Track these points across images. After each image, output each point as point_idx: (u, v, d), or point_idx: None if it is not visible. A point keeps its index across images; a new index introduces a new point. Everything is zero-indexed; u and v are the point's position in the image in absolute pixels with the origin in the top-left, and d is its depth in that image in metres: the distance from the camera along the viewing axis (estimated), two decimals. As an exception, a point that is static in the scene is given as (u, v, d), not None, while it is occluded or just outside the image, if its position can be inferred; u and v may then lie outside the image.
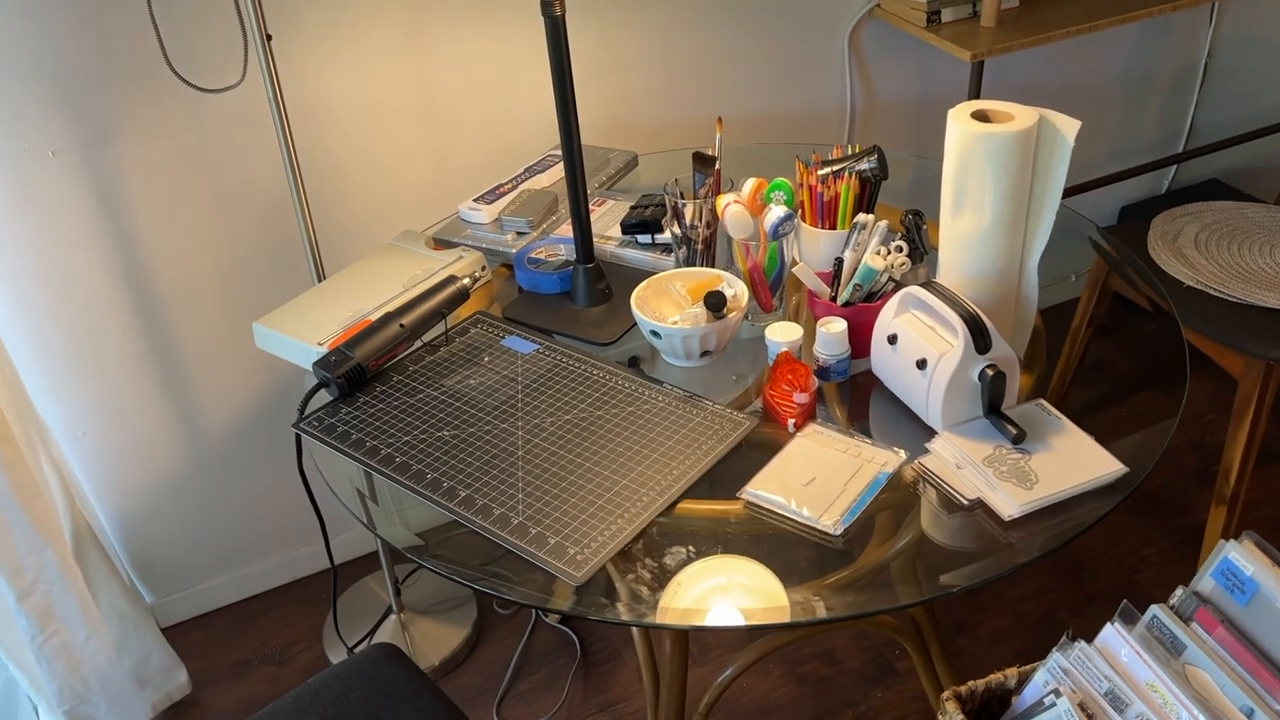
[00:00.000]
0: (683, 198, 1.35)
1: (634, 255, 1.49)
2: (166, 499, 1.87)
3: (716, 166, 1.33)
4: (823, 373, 1.22)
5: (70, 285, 1.62)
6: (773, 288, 1.32)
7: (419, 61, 1.70)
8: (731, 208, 1.27)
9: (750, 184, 1.31)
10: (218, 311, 1.75)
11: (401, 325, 1.30)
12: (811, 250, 1.34)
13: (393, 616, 1.94)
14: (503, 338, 1.36)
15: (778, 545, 1.04)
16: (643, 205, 1.51)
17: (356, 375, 1.27)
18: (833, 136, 2.07)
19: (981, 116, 1.13)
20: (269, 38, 1.35)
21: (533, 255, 1.49)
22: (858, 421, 1.19)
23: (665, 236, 1.47)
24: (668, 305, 1.29)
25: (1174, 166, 2.55)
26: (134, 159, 1.57)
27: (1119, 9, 1.90)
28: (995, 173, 1.10)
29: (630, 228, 1.49)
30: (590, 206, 1.59)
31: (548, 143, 1.81)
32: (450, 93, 1.75)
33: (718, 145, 1.36)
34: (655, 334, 1.24)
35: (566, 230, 1.55)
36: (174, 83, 1.48)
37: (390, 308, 1.35)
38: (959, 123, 1.12)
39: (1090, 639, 0.97)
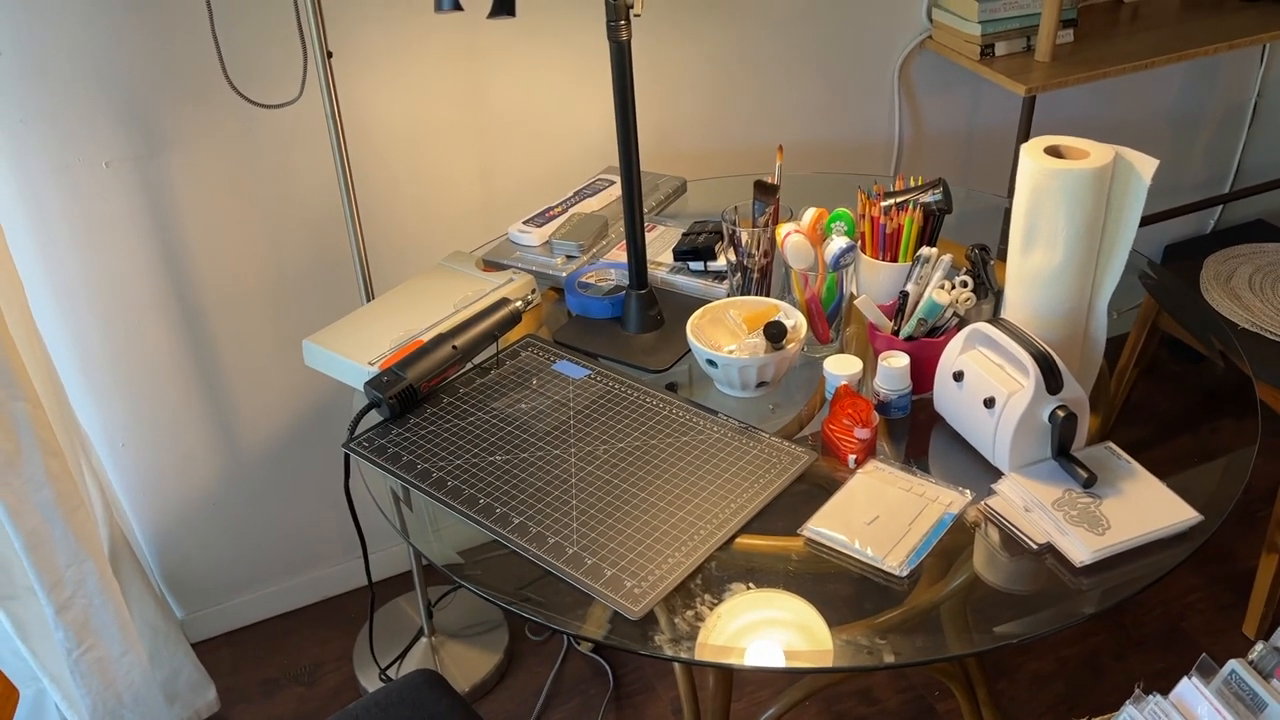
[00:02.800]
0: (740, 225, 1.34)
1: (685, 282, 1.47)
2: (201, 513, 1.86)
3: (777, 195, 1.31)
4: (883, 408, 1.20)
5: (117, 295, 1.62)
6: (830, 319, 1.30)
7: (472, 82, 1.69)
8: (792, 237, 1.25)
9: (811, 213, 1.29)
10: (263, 327, 1.74)
11: (454, 347, 1.29)
12: (871, 282, 1.32)
13: (424, 639, 1.91)
14: (553, 362, 1.34)
15: (831, 583, 1.01)
16: (695, 231, 1.50)
17: (408, 396, 1.25)
18: (879, 168, 2.06)
19: (1054, 152, 1.11)
20: (330, 54, 1.35)
21: (583, 280, 1.48)
22: (918, 459, 1.16)
23: (718, 264, 1.45)
24: (723, 334, 1.28)
25: (1220, 207, 2.52)
26: (186, 172, 1.57)
27: (1175, 46, 1.88)
28: (1069, 210, 1.08)
29: (683, 254, 1.47)
30: (642, 231, 1.58)
31: (597, 166, 1.80)
32: (501, 114, 1.74)
33: (778, 173, 1.34)
34: (712, 363, 1.23)
35: (617, 255, 1.53)
36: (230, 96, 1.48)
37: (441, 329, 1.34)
38: (1033, 158, 1.10)
39: (1135, 686, 0.94)
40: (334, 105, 1.40)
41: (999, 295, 1.22)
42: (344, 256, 1.70)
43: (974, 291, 1.20)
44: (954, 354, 1.15)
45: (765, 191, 1.30)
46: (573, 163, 1.82)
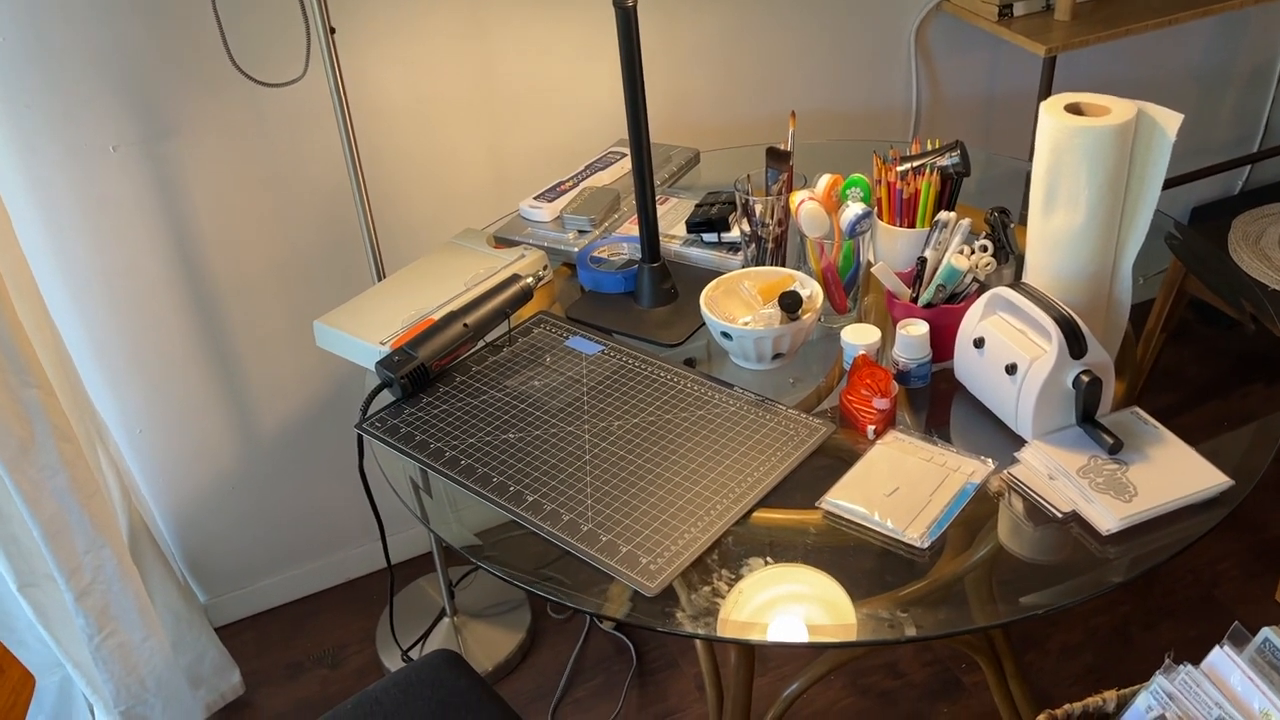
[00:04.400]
0: (753, 194, 1.31)
1: (698, 254, 1.45)
2: (220, 498, 1.86)
3: (790, 162, 1.28)
4: (902, 377, 1.17)
5: (128, 281, 1.61)
6: (847, 288, 1.27)
7: (479, 56, 1.67)
8: (806, 205, 1.22)
9: (825, 180, 1.26)
10: (275, 308, 1.73)
11: (465, 325, 1.27)
12: (889, 249, 1.29)
13: (446, 620, 1.91)
14: (566, 338, 1.33)
15: (853, 556, 0.99)
16: (708, 203, 1.47)
17: (420, 376, 1.24)
18: (897, 134, 2.02)
19: (1075, 109, 1.08)
20: (332, 31, 1.33)
21: (595, 254, 1.46)
22: (939, 428, 1.14)
23: (731, 235, 1.43)
24: (738, 306, 1.25)
25: (1248, 166, 2.47)
26: (194, 154, 1.56)
27: (1200, 1, 1.83)
28: (1090, 169, 1.05)
29: (695, 226, 1.45)
30: (655, 204, 1.55)
31: (608, 139, 1.78)
32: (510, 87, 1.72)
33: (790, 140, 1.31)
34: (726, 335, 1.20)
35: (629, 229, 1.51)
36: (235, 77, 1.46)
37: (453, 307, 1.32)
38: (1052, 116, 1.06)
39: (1165, 656, 0.92)
40: (339, 82, 1.38)
41: (1020, 259, 1.19)
42: (355, 236, 1.69)
43: (994, 256, 1.17)
44: (974, 320, 1.12)
45: (778, 159, 1.28)
46: (584, 136, 1.79)
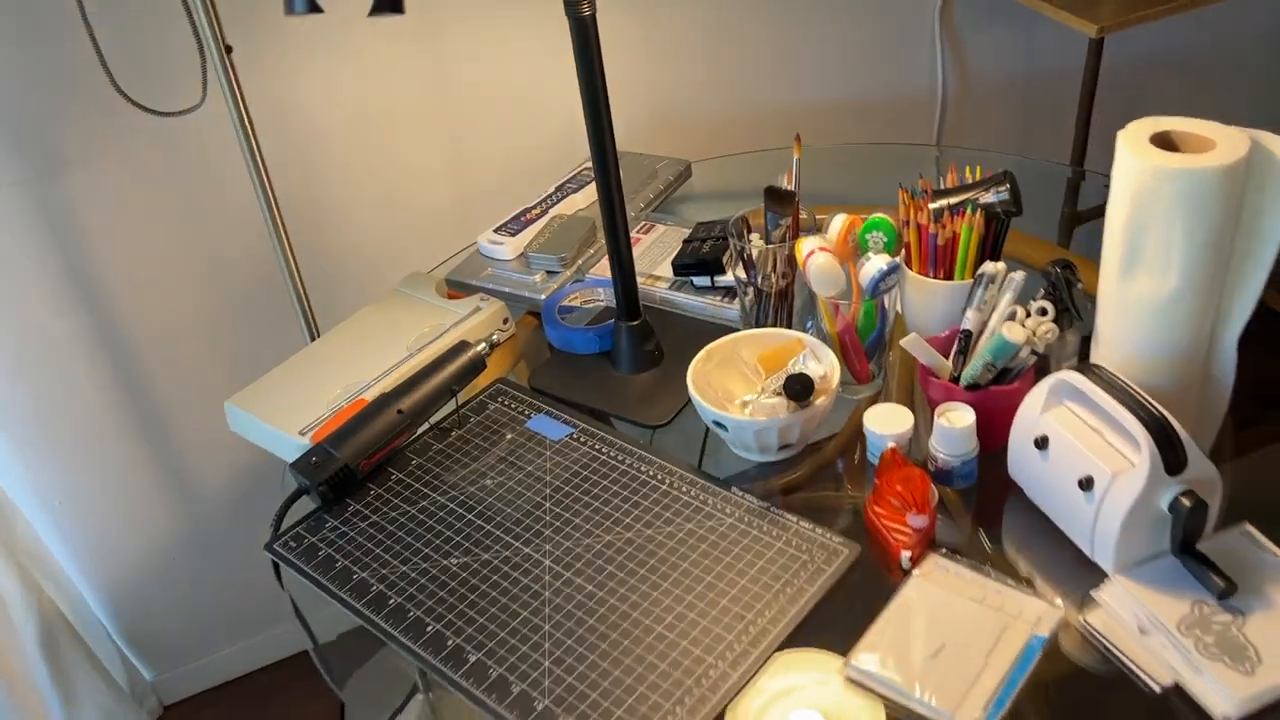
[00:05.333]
0: (749, 236, 1.07)
1: (689, 301, 1.20)
2: (159, 566, 1.65)
3: (795, 203, 1.03)
4: (943, 476, 0.93)
5: (29, 338, 1.39)
6: (870, 353, 1.03)
7: (431, 59, 1.42)
8: (817, 258, 0.98)
9: (839, 223, 1.02)
10: (204, 359, 1.50)
11: (400, 411, 1.04)
12: (920, 305, 1.04)
13: (419, 696, 1.69)
14: (528, 418, 1.09)
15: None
16: (698, 238, 1.23)
17: (344, 479, 1.01)
18: (920, 131, 1.76)
19: (1164, 141, 0.83)
20: (228, 49, 1.08)
21: (566, 302, 1.22)
22: (989, 542, 0.90)
23: (727, 278, 1.18)
24: (735, 381, 1.01)
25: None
26: (93, 194, 1.32)
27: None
28: (1188, 223, 0.80)
29: (684, 268, 1.21)
30: (634, 234, 1.31)
31: (581, 153, 1.53)
32: (464, 98, 1.47)
33: (794, 173, 1.06)
34: (720, 425, 0.97)
35: (606, 268, 1.27)
36: (132, 106, 1.22)
37: (391, 381, 1.09)
38: (1136, 153, 0.81)
39: None
40: (241, 108, 1.14)
41: (1086, 324, 0.94)
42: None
43: (1055, 321, 0.92)
44: (1034, 411, 0.88)
45: (779, 201, 1.03)
46: (554, 145, 1.55)
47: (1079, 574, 0.85)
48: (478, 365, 1.10)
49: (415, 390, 1.06)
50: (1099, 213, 1.36)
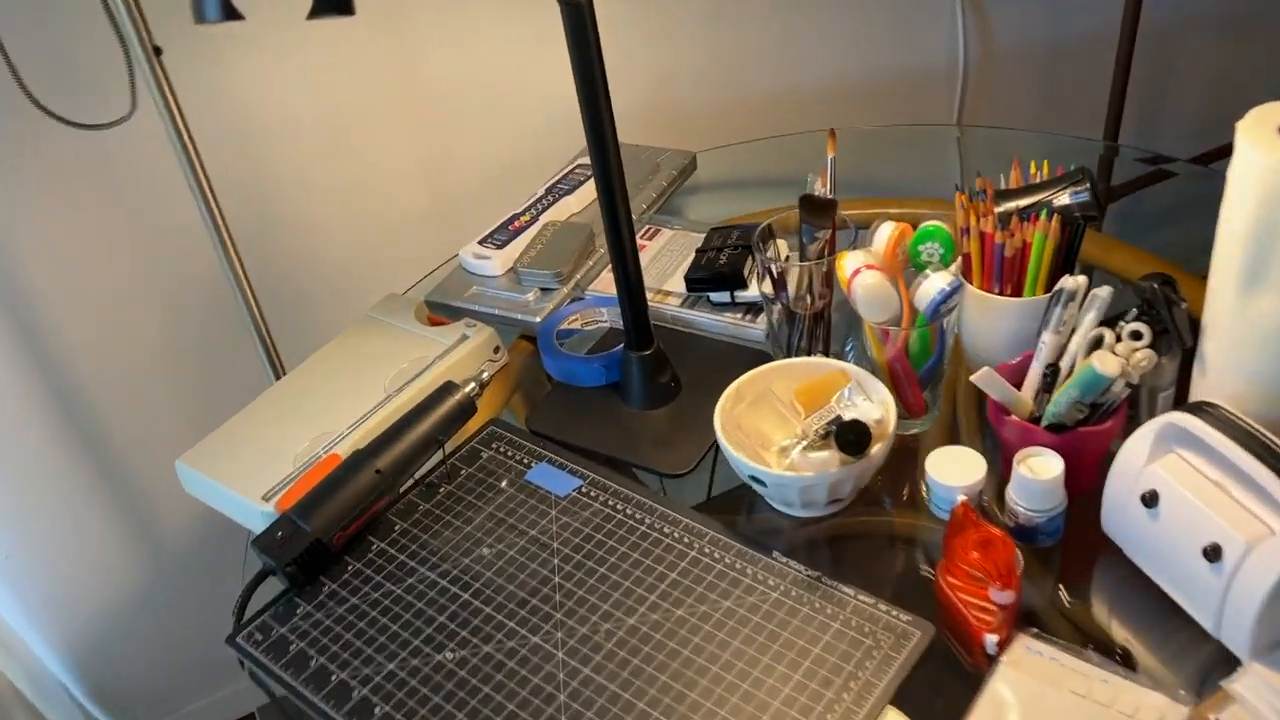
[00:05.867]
0: (778, 253, 0.92)
1: (706, 320, 1.05)
2: (124, 618, 1.50)
3: (835, 214, 0.88)
4: (1023, 533, 0.79)
5: (-44, 384, 1.23)
6: (924, 382, 0.89)
7: (389, 54, 1.26)
8: (864, 277, 0.83)
9: (887, 232, 0.87)
10: (158, 398, 1.35)
11: (378, 471, 0.89)
12: (982, 326, 0.90)
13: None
14: (527, 467, 0.94)
15: None
16: (713, 247, 1.07)
17: (316, 555, 0.86)
18: (939, 109, 1.61)
19: (1297, 132, 0.68)
20: (158, 51, 0.92)
21: (565, 325, 1.07)
22: (1083, 612, 0.76)
23: (749, 294, 1.03)
24: (769, 421, 0.87)
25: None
26: (16, 220, 1.16)
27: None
28: (1334, 232, 0.66)
29: (699, 283, 1.05)
30: (638, 241, 1.16)
31: (573, 143, 1.37)
32: (435, 91, 1.31)
33: (829, 174, 0.90)
34: (758, 480, 0.82)
35: (608, 281, 1.12)
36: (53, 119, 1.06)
37: (367, 429, 0.94)
38: (1262, 149, 0.66)
39: None
40: (175, 116, 0.97)
41: (1189, 349, 0.80)
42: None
43: (1152, 345, 0.78)
44: (1138, 460, 0.73)
45: (817, 211, 0.87)
46: (538, 140, 1.39)
47: (1203, 658, 0.71)
48: (467, 410, 0.94)
49: (395, 444, 0.90)
50: (1131, 188, 1.22)
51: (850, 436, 0.77)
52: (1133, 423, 0.77)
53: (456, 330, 1.06)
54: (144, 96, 1.00)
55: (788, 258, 0.93)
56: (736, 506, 0.88)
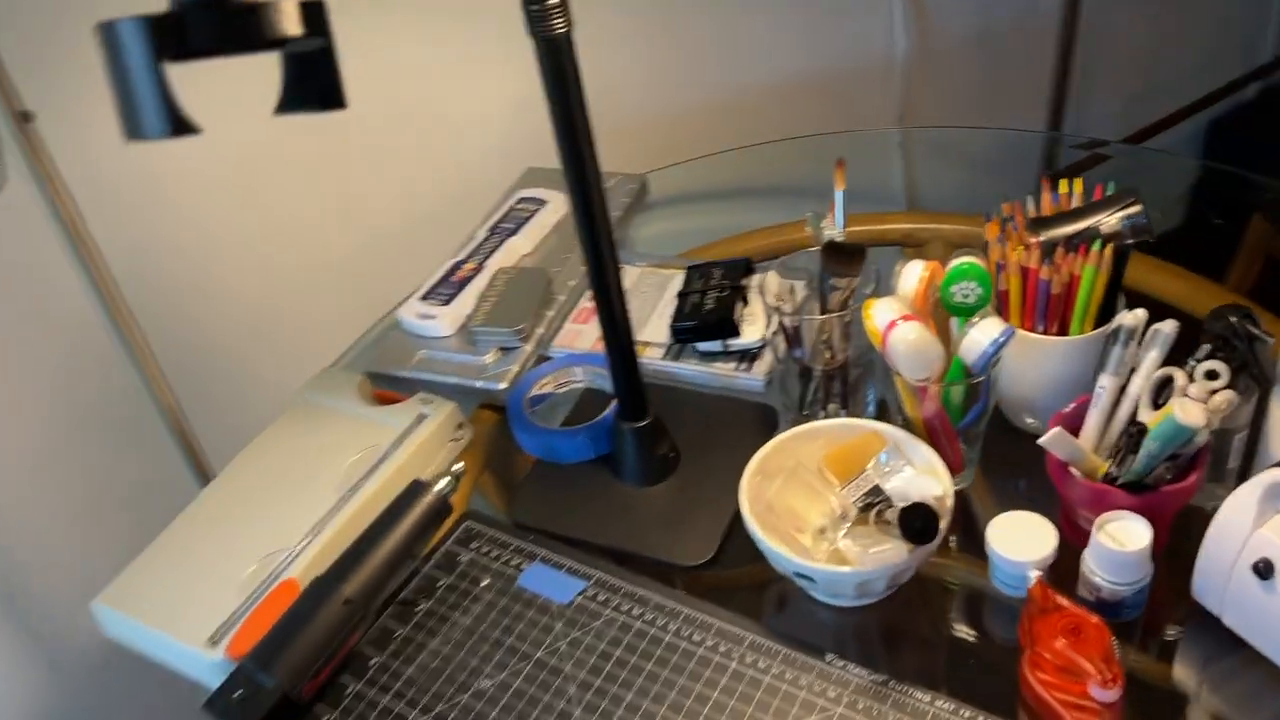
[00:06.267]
0: (791, 312, 0.81)
1: (696, 374, 0.94)
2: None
3: (863, 260, 0.77)
4: (1106, 608, 0.70)
5: None
6: (963, 435, 0.79)
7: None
8: (903, 331, 0.72)
9: (916, 273, 0.76)
10: (63, 521, 1.16)
11: (347, 601, 0.75)
12: (1025, 369, 0.80)
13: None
14: (518, 570, 0.81)
15: None
16: (695, 290, 0.96)
17: (284, 711, 0.72)
18: (875, 109, 1.52)
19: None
20: (25, 117, 0.75)
21: (536, 391, 0.94)
22: (1175, 697, 0.67)
23: (745, 340, 0.92)
24: (801, 499, 0.76)
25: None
26: None
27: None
28: None
29: (685, 332, 0.94)
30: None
31: (510, 170, 1.23)
32: (352, 123, 1.16)
33: (838, 212, 0.79)
34: (805, 577, 0.71)
35: (576, 333, 0.99)
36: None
37: (324, 542, 0.80)
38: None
39: None
40: (53, 186, 0.81)
41: (1266, 385, 0.72)
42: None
43: (1231, 384, 0.69)
44: (1243, 524, 0.65)
45: (843, 259, 0.76)
46: (472, 170, 1.25)
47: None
48: (442, 512, 0.81)
49: (363, 564, 0.76)
50: (1070, 175, 1.14)
51: (917, 525, 0.67)
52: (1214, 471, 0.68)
53: (412, 409, 0.92)
54: (16, 167, 0.83)
55: (797, 308, 0.82)
56: (757, 582, 0.77)
